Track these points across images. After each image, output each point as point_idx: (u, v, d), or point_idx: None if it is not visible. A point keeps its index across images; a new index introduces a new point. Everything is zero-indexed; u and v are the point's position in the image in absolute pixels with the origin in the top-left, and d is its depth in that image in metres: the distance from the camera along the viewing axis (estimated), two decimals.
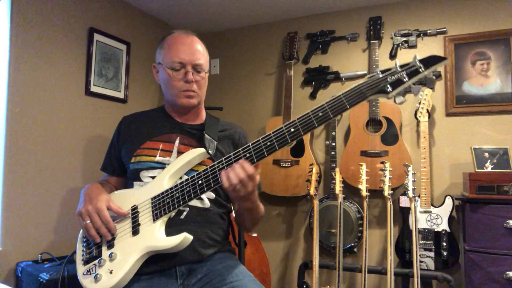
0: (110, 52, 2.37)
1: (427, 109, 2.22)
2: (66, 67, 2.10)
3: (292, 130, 0.98)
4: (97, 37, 2.27)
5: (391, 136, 2.31)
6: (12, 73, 1.83)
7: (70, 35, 2.12)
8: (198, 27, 3.01)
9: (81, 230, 1.21)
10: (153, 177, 1.21)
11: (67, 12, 2.11)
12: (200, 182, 1.06)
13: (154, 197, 1.12)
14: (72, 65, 2.14)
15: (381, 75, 0.94)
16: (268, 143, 1.00)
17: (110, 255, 1.09)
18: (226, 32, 3.05)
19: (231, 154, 1.04)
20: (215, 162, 1.06)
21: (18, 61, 1.86)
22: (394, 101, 1.05)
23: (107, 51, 2.35)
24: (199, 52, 1.26)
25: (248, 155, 1.02)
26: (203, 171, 1.07)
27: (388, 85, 0.93)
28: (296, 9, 2.66)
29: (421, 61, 0.92)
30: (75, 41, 2.15)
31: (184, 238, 1.05)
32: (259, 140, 1.02)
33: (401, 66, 0.93)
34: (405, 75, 0.92)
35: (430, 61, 0.92)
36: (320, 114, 0.96)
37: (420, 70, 0.92)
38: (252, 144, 1.03)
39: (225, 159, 1.05)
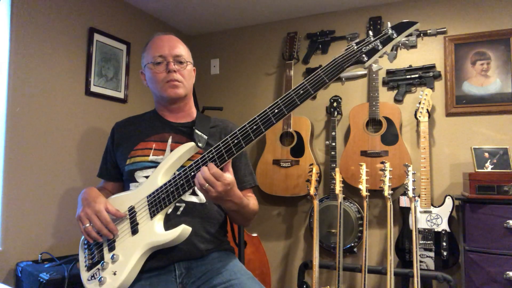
0: (110, 52, 2.37)
1: (427, 109, 2.22)
2: (66, 67, 2.10)
3: (276, 111, 1.00)
4: (97, 37, 2.27)
5: (391, 136, 2.31)
6: (12, 73, 1.83)
7: (70, 35, 2.12)
8: (198, 27, 3.01)
9: (82, 237, 1.21)
10: (147, 177, 1.22)
11: (67, 12, 2.11)
12: (192, 174, 1.07)
13: (149, 195, 1.13)
14: (72, 65, 2.14)
15: (356, 47, 0.97)
16: (255, 127, 1.01)
17: (112, 257, 1.10)
18: (226, 32, 3.05)
19: (220, 143, 1.05)
20: (205, 153, 1.06)
21: (18, 61, 1.86)
22: (372, 69, 1.09)
23: (107, 51, 2.35)
24: (178, 46, 1.31)
25: (236, 141, 1.03)
26: (195, 162, 1.07)
27: (364, 55, 0.96)
28: (296, 9, 2.66)
29: (393, 27, 0.95)
30: (75, 41, 2.15)
31: (182, 229, 1.06)
32: (245, 125, 1.03)
33: (374, 36, 0.97)
34: (379, 43, 0.96)
35: (401, 27, 0.95)
36: (301, 91, 0.99)
37: (393, 37, 0.95)
38: (239, 130, 1.03)
39: (214, 148, 1.05)
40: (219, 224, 1.27)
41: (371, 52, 0.96)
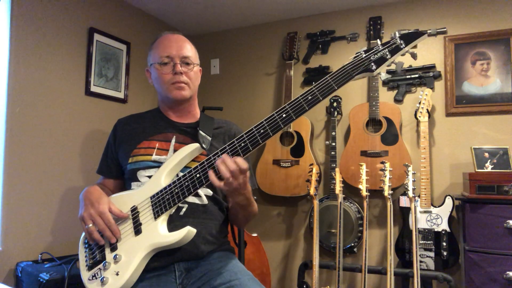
0: (110, 52, 2.37)
1: (427, 109, 2.22)
2: (66, 67, 2.10)
3: (284, 115, 1.00)
4: (97, 37, 2.27)
5: (391, 136, 2.31)
6: (12, 73, 1.83)
7: (70, 35, 2.12)
8: (198, 27, 3.01)
9: (82, 235, 1.21)
10: (149, 177, 1.21)
11: (67, 12, 2.11)
12: (198, 175, 1.07)
13: (153, 196, 1.12)
14: (72, 65, 2.14)
15: (364, 55, 0.98)
16: (262, 131, 1.02)
17: (115, 257, 1.10)
18: (226, 32, 3.05)
19: (226, 145, 1.05)
20: (211, 155, 1.06)
21: (18, 61, 1.86)
22: (380, 78, 1.11)
23: (107, 51, 2.35)
24: (186, 46, 1.30)
25: (243, 144, 1.03)
26: (200, 164, 1.07)
27: (372, 63, 0.97)
28: (296, 9, 2.66)
29: (401, 37, 0.97)
30: (75, 41, 2.15)
31: (188, 231, 1.06)
32: (252, 129, 1.03)
33: (383, 44, 0.98)
34: (387, 52, 0.97)
35: (410, 37, 0.97)
36: (310, 97, 0.99)
37: (401, 47, 0.96)
38: (246, 134, 1.04)
39: (220, 150, 1.05)
40: (220, 225, 1.27)
41: (380, 61, 0.97)
